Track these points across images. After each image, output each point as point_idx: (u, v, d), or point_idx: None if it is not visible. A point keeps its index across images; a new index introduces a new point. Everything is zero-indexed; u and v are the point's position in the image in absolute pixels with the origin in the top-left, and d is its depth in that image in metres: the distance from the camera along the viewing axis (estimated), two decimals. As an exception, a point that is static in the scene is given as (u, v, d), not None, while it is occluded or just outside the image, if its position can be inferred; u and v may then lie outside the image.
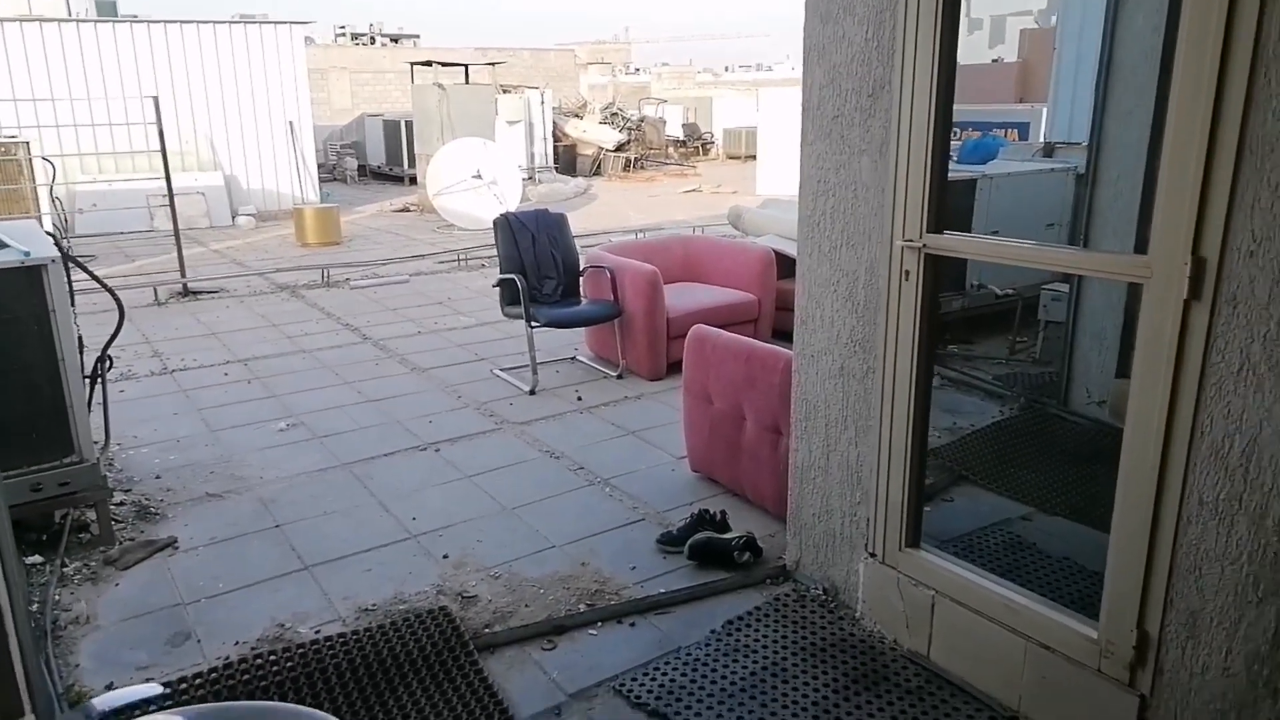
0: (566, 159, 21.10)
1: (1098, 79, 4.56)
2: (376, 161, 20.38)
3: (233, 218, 13.23)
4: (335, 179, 20.01)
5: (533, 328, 5.34)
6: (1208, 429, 2.00)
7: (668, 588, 3.27)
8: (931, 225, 2.52)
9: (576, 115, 22.97)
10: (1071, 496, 3.91)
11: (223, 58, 13.09)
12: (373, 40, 33.45)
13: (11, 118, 10.27)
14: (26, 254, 3.10)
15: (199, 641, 2.98)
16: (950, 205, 2.54)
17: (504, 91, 19.86)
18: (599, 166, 21.07)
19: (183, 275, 8.09)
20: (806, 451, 3.16)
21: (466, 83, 14.66)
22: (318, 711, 1.34)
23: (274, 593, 3.27)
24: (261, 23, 13.16)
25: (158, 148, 7.82)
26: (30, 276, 3.10)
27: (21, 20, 12.04)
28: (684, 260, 6.30)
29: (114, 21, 12.59)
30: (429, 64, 15.07)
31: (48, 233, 3.90)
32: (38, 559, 3.44)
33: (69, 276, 4.09)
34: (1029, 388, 5.47)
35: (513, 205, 11.30)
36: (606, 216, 13.89)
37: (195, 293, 8.12)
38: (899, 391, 2.73)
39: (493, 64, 16.43)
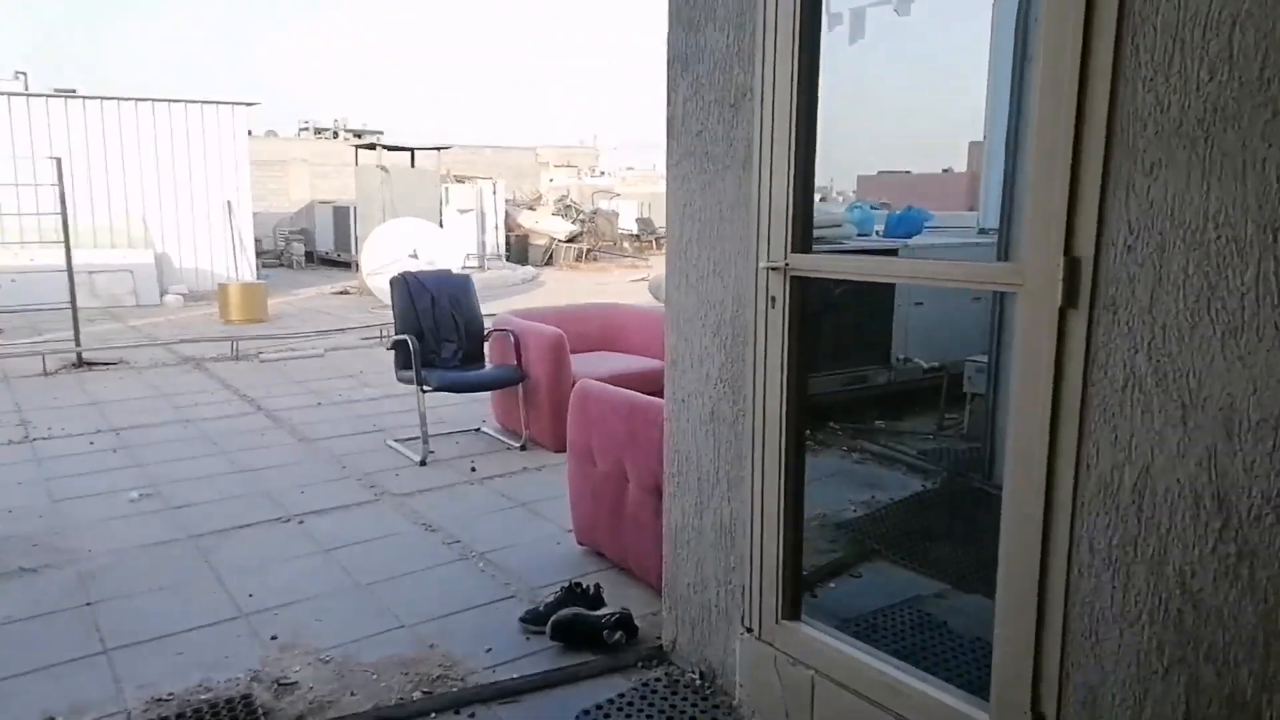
0: (519, 249, 21.05)
1: (1007, 147, 4.45)
2: (325, 247, 20.14)
3: (161, 296, 12.80)
4: (283, 264, 19.70)
5: (424, 392, 4.96)
6: (1094, 460, 1.68)
7: (524, 673, 2.82)
8: (797, 244, 2.24)
9: (530, 207, 23.08)
10: (990, 573, 3.53)
11: (160, 135, 12.90)
12: (335, 135, 33.74)
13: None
14: None
15: (-58, 738, 2.47)
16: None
17: (458, 181, 19.91)
18: (551, 257, 21.03)
19: (77, 344, 7.62)
20: (680, 511, 2.79)
21: (413, 167, 14.58)
22: None
23: (55, 681, 2.77)
24: (203, 102, 13.04)
25: (61, 213, 7.41)
26: None
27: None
28: (601, 329, 6.01)
29: (47, 96, 12.37)
30: (373, 147, 15.02)
31: None
32: None
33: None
34: (954, 462, 5.17)
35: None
36: (548, 300, 13.67)
37: (90, 364, 7.64)
38: (769, 437, 2.39)
39: (438, 149, 16.42)
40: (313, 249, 20.49)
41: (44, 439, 5.42)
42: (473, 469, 4.88)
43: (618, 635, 2.96)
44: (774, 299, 2.30)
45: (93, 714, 2.59)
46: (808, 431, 5.44)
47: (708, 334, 2.55)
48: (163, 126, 12.91)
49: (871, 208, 7.64)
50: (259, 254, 16.95)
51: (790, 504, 2.41)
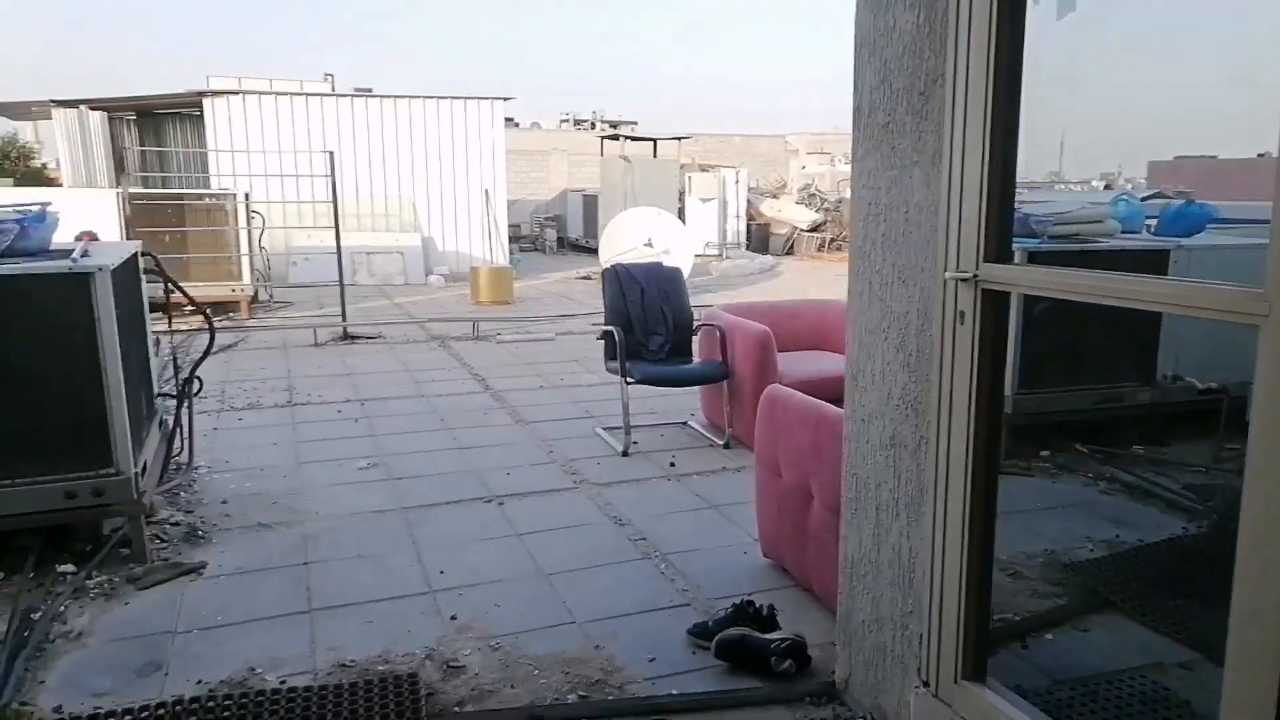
0: (759, 237, 20.83)
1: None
2: (575, 234, 21.09)
3: (426, 276, 14.00)
4: (536, 249, 20.89)
5: (628, 384, 4.97)
6: (1364, 552, 1.28)
7: (684, 689, 2.72)
8: (991, 253, 1.93)
9: (773, 195, 22.77)
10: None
11: (429, 128, 14.08)
12: (592, 126, 35.29)
13: (242, 178, 11.49)
14: (74, 261, 3.15)
15: (166, 674, 2.78)
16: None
17: (702, 170, 20.05)
18: (792, 246, 20.64)
19: (344, 319, 8.48)
20: (856, 541, 2.55)
21: (655, 157, 14.86)
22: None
23: (265, 633, 3.05)
24: (465, 98, 14.06)
25: (333, 200, 8.26)
26: (76, 284, 3.14)
27: (268, 93, 13.61)
28: (815, 326, 5.73)
29: (337, 96, 13.91)
30: (616, 138, 15.46)
31: (145, 252, 4.04)
32: (70, 568, 3.43)
33: (167, 294, 4.22)
34: (1227, 504, 4.39)
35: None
36: (780, 293, 13.40)
37: (353, 337, 8.48)
38: (954, 469, 2.10)
39: (679, 138, 16.58)
40: (564, 235, 21.54)
41: (302, 404, 6.07)
42: (672, 464, 4.83)
43: (786, 663, 2.77)
44: (962, 314, 2.00)
45: (286, 669, 2.82)
46: (1045, 452, 4.86)
47: (890, 349, 2.29)
48: (431, 120, 14.09)
49: (1147, 198, 6.68)
50: (518, 239, 18.08)
51: (977, 548, 2.10)
